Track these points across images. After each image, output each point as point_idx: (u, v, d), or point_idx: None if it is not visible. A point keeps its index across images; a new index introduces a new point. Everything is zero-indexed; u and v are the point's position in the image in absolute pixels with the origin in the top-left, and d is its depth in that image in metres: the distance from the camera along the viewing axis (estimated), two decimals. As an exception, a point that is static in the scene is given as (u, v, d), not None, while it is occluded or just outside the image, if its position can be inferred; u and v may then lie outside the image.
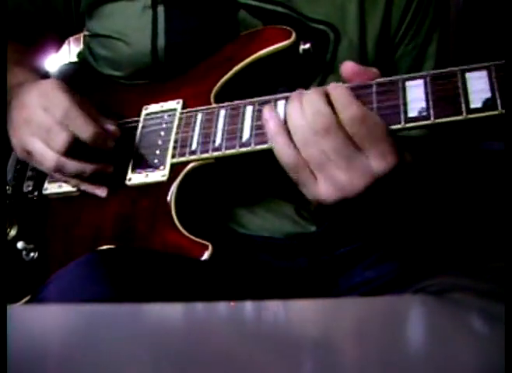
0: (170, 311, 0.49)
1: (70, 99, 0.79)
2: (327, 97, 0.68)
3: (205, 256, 0.74)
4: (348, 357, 0.36)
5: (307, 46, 0.84)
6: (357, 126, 0.66)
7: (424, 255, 0.89)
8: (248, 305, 0.50)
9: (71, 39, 1.10)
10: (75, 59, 1.06)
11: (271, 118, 0.70)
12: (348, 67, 0.71)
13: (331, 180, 0.67)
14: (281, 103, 0.76)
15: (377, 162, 0.66)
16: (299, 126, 0.67)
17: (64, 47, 1.11)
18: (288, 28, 0.83)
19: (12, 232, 0.89)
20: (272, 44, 0.83)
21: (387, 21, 0.90)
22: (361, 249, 0.92)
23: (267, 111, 0.71)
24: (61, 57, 1.13)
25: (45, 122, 0.79)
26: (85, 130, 0.78)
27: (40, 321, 0.44)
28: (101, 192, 0.84)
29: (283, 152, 0.69)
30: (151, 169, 0.83)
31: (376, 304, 0.51)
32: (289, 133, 0.68)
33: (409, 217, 1.00)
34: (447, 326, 0.43)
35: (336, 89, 0.68)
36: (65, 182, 0.85)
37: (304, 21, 0.87)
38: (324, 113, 0.66)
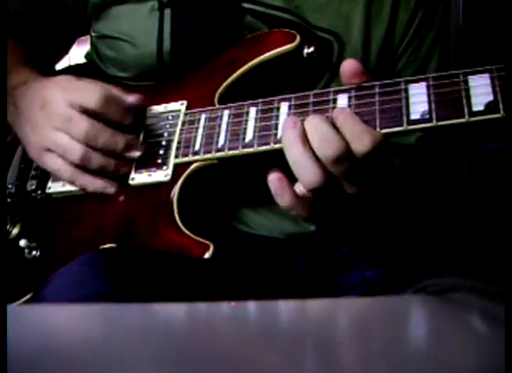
0: (173, 311, 0.49)
1: (101, 85, 0.80)
2: (332, 121, 0.67)
3: (207, 255, 0.74)
4: (348, 358, 0.36)
5: (311, 49, 0.84)
6: (374, 153, 0.66)
7: (424, 255, 0.89)
8: (250, 305, 0.50)
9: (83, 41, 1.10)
10: (77, 60, 1.06)
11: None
12: (349, 65, 0.71)
13: (335, 197, 0.69)
14: (284, 105, 0.76)
15: (378, 169, 0.68)
16: (302, 164, 0.67)
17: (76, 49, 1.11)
18: (292, 31, 0.83)
19: (15, 230, 0.89)
20: (276, 47, 0.83)
21: (391, 32, 0.90)
22: (360, 249, 0.91)
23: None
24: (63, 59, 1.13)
25: (67, 112, 0.78)
26: (120, 113, 0.80)
27: (40, 321, 0.44)
28: (111, 189, 0.83)
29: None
30: (154, 169, 0.83)
31: (377, 304, 0.51)
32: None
33: (408, 218, 1.00)
34: (447, 326, 0.43)
35: (342, 115, 0.68)
36: (72, 182, 0.84)
37: (310, 29, 0.87)
38: (332, 141, 0.65)
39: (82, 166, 0.80)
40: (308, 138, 0.67)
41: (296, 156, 0.67)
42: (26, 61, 0.96)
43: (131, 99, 0.82)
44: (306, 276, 0.89)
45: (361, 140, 0.65)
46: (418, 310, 0.47)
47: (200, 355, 0.35)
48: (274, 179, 0.69)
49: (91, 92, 0.79)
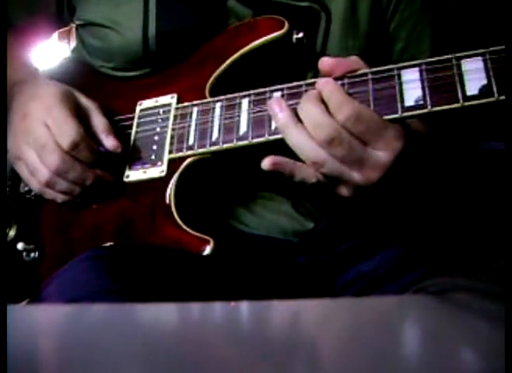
0: (167, 312, 0.49)
1: (77, 125, 0.79)
2: (321, 98, 0.68)
3: (207, 250, 0.73)
4: (347, 358, 0.36)
5: (300, 35, 0.82)
6: (355, 124, 0.66)
7: (421, 250, 0.89)
8: (246, 305, 0.50)
9: (64, 34, 1.09)
10: (68, 54, 1.05)
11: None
12: (325, 62, 0.71)
13: (347, 183, 0.69)
14: (277, 95, 0.75)
15: (385, 152, 0.67)
16: (302, 145, 0.68)
17: (56, 43, 1.10)
18: (280, 18, 0.82)
19: (11, 233, 0.89)
20: (266, 35, 0.82)
21: None
22: (358, 246, 0.91)
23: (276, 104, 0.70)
24: (52, 54, 1.12)
25: (43, 138, 0.78)
26: (89, 157, 0.80)
27: (40, 321, 0.44)
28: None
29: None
30: (148, 165, 0.82)
31: (376, 304, 0.51)
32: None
33: (408, 211, 1.00)
34: (447, 326, 0.43)
35: (326, 86, 0.68)
36: (41, 194, 0.84)
37: (293, 3, 0.85)
38: (324, 125, 0.66)
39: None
40: (303, 124, 0.67)
41: (293, 137, 0.68)
42: (20, 55, 0.96)
43: (109, 144, 0.82)
44: (304, 274, 0.89)
45: (342, 108, 0.66)
46: (417, 310, 0.47)
47: (195, 356, 0.35)
48: (269, 164, 0.71)
49: (64, 133, 0.78)
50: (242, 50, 0.83)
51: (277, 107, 0.70)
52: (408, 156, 0.69)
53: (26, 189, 0.91)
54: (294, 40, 0.83)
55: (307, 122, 0.67)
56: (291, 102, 0.74)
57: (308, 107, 0.68)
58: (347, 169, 0.67)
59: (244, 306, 0.50)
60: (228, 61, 0.83)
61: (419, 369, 0.34)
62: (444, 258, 0.82)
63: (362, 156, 0.67)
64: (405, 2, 0.90)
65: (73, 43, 1.03)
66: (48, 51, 1.10)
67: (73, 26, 1.00)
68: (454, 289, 0.45)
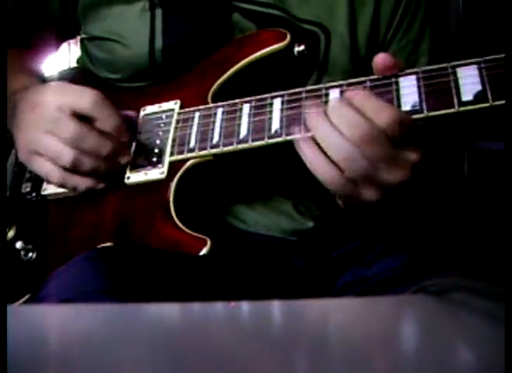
0: (168, 312, 0.49)
1: (95, 93, 0.79)
2: (350, 104, 0.67)
3: (204, 250, 0.73)
4: (347, 358, 0.36)
5: (302, 47, 0.84)
6: (396, 129, 0.65)
7: (423, 254, 0.89)
8: (246, 305, 0.50)
9: (71, 42, 1.10)
10: (75, 64, 1.06)
11: (306, 146, 0.68)
12: (381, 59, 0.71)
13: (376, 186, 0.68)
14: (277, 101, 0.77)
15: (414, 154, 0.68)
16: (334, 143, 0.66)
17: (65, 50, 1.11)
18: (283, 30, 0.83)
19: (11, 233, 0.89)
20: (267, 46, 0.82)
21: (377, 18, 0.90)
22: (357, 248, 0.91)
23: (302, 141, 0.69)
24: (61, 61, 1.13)
25: (54, 115, 0.77)
26: (114, 118, 0.80)
27: (40, 321, 0.44)
28: (102, 185, 0.83)
29: (328, 176, 0.68)
30: (149, 167, 0.82)
31: (376, 304, 0.51)
32: (326, 154, 0.67)
33: (408, 216, 1.00)
34: (447, 326, 0.43)
35: (356, 95, 0.67)
36: (62, 185, 0.83)
37: (295, 22, 0.87)
38: (361, 124, 0.65)
39: (73, 169, 0.79)
40: (335, 124, 0.66)
41: (323, 132, 0.67)
42: (27, 66, 0.96)
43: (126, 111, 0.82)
44: (303, 276, 0.88)
45: (383, 113, 0.65)
46: (417, 310, 0.48)
47: (194, 356, 0.35)
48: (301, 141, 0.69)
49: (84, 95, 0.78)
50: (244, 61, 0.84)
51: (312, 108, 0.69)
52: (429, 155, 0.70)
53: (28, 190, 0.91)
54: (296, 53, 0.84)
55: (341, 122, 0.66)
56: (292, 106, 0.75)
57: (342, 109, 0.67)
58: (380, 167, 0.67)
59: (244, 306, 0.50)
60: (230, 71, 0.84)
61: (419, 369, 0.34)
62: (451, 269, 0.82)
63: (394, 156, 0.67)
64: (402, 32, 0.92)
65: (78, 54, 1.04)
66: (56, 59, 1.11)
67: (78, 38, 1.01)
68: (454, 289, 0.45)
